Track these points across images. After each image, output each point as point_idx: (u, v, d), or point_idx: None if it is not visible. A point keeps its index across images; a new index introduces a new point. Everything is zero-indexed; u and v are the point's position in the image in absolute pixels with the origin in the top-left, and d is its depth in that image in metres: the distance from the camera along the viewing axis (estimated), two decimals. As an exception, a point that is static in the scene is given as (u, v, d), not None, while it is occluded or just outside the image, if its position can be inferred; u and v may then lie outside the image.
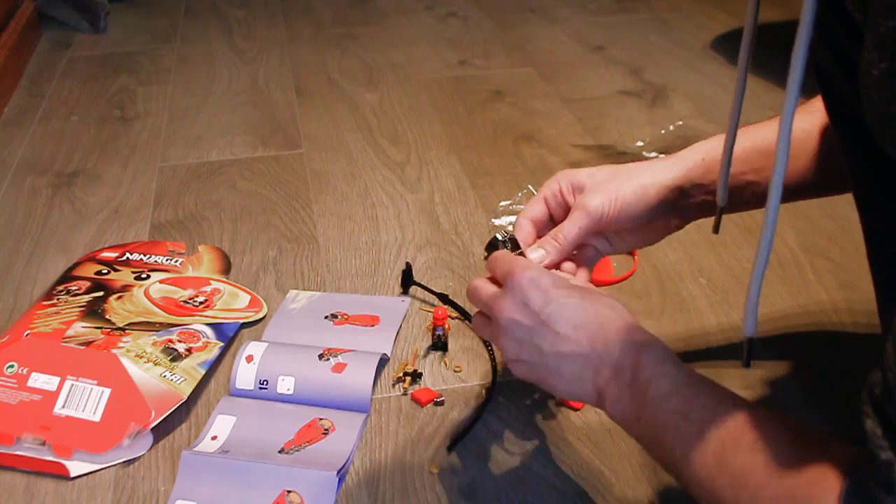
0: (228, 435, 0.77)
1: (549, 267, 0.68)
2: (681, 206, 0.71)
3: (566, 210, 0.71)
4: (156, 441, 0.78)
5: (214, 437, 0.76)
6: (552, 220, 0.72)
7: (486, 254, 0.69)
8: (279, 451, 0.74)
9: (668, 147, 1.27)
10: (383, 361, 0.85)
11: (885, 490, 0.40)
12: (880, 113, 0.40)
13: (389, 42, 1.76)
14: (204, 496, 0.71)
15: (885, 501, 0.40)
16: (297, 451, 0.75)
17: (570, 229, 0.68)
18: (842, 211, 1.09)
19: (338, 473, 0.71)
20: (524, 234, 0.71)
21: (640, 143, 1.27)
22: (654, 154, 1.23)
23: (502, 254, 0.66)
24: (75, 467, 0.75)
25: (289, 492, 0.70)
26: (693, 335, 0.90)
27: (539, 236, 0.71)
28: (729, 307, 0.93)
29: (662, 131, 1.32)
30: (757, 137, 0.70)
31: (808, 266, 1.00)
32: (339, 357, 0.82)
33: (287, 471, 0.71)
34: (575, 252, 0.72)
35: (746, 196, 0.71)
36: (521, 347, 0.61)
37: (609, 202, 0.68)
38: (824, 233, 1.05)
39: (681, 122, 1.35)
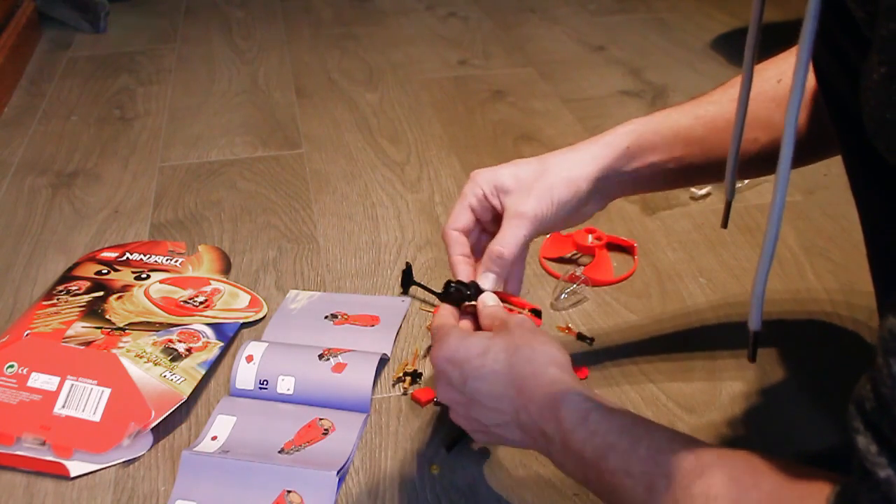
0: (228, 435, 0.77)
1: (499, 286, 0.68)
2: (605, 192, 0.71)
3: (492, 213, 0.69)
4: (156, 441, 0.78)
5: (214, 438, 0.76)
6: (478, 224, 0.71)
7: (440, 297, 0.69)
8: (279, 452, 0.74)
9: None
10: (383, 361, 0.85)
11: None
12: (876, 117, 0.40)
13: (389, 42, 1.76)
14: (204, 496, 0.71)
15: None
16: (297, 451, 0.75)
17: (512, 240, 0.66)
18: (842, 211, 1.09)
19: (338, 473, 0.71)
20: (458, 247, 0.69)
21: None
22: None
23: (435, 322, 0.67)
24: (75, 467, 0.75)
25: (289, 492, 0.70)
26: (693, 335, 0.90)
27: (470, 244, 0.70)
28: (729, 307, 0.93)
29: None
30: (678, 124, 0.71)
31: (808, 266, 1.00)
32: (339, 357, 0.82)
33: (287, 471, 0.71)
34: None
35: (663, 180, 0.72)
36: (468, 422, 0.64)
37: (546, 205, 0.66)
38: (824, 233, 1.05)
39: None
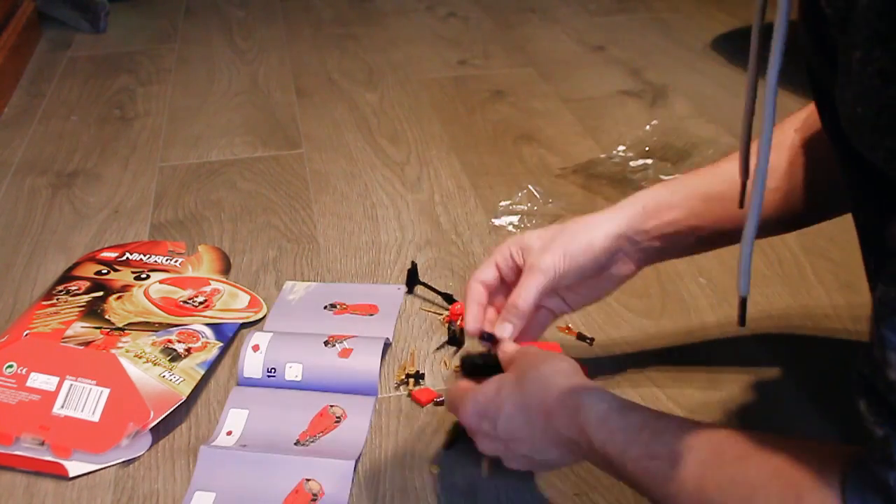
0: (243, 429, 0.77)
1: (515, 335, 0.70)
2: (628, 254, 0.72)
3: (516, 272, 0.72)
4: (155, 441, 0.77)
5: (230, 433, 0.77)
6: (503, 283, 0.73)
7: (458, 367, 0.72)
8: (295, 444, 0.76)
9: (652, 150, 1.27)
10: (386, 346, 0.87)
11: (886, 466, 0.40)
12: (849, 114, 0.41)
13: (389, 42, 1.76)
14: (223, 486, 0.71)
15: (890, 478, 0.40)
16: (313, 441, 0.76)
17: (526, 291, 0.69)
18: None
19: (354, 461, 0.73)
20: (477, 296, 0.72)
21: (621, 149, 1.27)
22: (640, 161, 1.22)
23: (450, 393, 0.69)
24: (74, 467, 0.75)
25: (308, 480, 0.71)
26: (693, 335, 0.90)
27: (490, 300, 0.73)
28: (729, 307, 0.93)
29: (640, 132, 1.32)
30: (694, 184, 0.73)
31: (808, 266, 0.99)
32: (345, 343, 0.84)
33: (305, 461, 0.72)
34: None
35: (691, 241, 0.73)
36: (518, 462, 0.65)
37: (559, 258, 0.69)
38: (824, 233, 1.05)
39: (656, 122, 1.34)
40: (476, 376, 0.68)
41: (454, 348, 0.88)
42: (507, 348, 0.68)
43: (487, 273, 0.72)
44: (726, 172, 0.72)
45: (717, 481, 0.50)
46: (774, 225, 0.73)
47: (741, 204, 0.65)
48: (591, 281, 0.72)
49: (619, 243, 0.71)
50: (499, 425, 0.62)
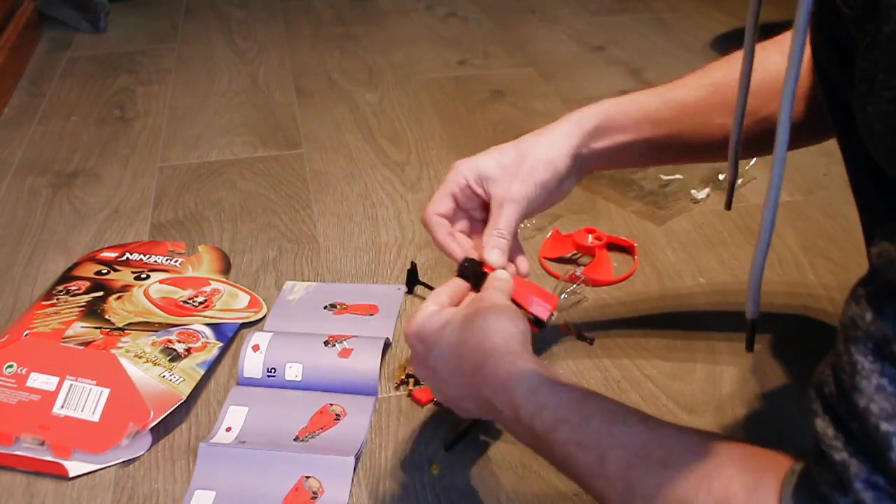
0: (242, 425, 0.78)
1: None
2: (579, 168, 0.74)
3: (476, 200, 0.72)
4: (155, 441, 0.77)
5: (229, 429, 0.77)
6: (460, 211, 0.73)
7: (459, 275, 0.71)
8: (294, 440, 0.75)
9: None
10: (386, 346, 0.87)
11: (838, 491, 0.38)
12: (866, 124, 0.40)
13: (389, 42, 1.76)
14: (223, 485, 0.71)
15: (839, 502, 0.38)
16: (312, 437, 0.76)
17: (506, 222, 0.69)
18: (842, 211, 1.09)
19: (354, 458, 0.72)
20: (442, 228, 0.72)
21: None
22: None
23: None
24: (74, 467, 0.75)
25: (307, 477, 0.71)
26: (692, 335, 0.90)
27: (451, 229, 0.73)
28: (729, 307, 0.93)
29: None
30: (648, 105, 0.74)
31: (808, 266, 0.99)
32: (345, 343, 0.84)
33: (305, 457, 0.72)
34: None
35: (637, 159, 0.76)
36: (438, 394, 0.68)
37: (530, 187, 0.70)
38: (824, 233, 1.05)
39: None
40: (473, 277, 0.69)
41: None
42: (500, 275, 0.68)
43: (444, 205, 0.72)
44: (678, 96, 0.74)
45: (643, 490, 0.48)
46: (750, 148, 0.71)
47: (728, 206, 0.65)
48: (548, 197, 0.73)
49: (574, 161, 0.72)
50: (431, 356, 0.63)
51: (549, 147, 0.71)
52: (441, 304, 0.66)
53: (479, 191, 0.71)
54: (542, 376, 0.56)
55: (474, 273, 0.69)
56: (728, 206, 0.68)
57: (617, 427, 0.51)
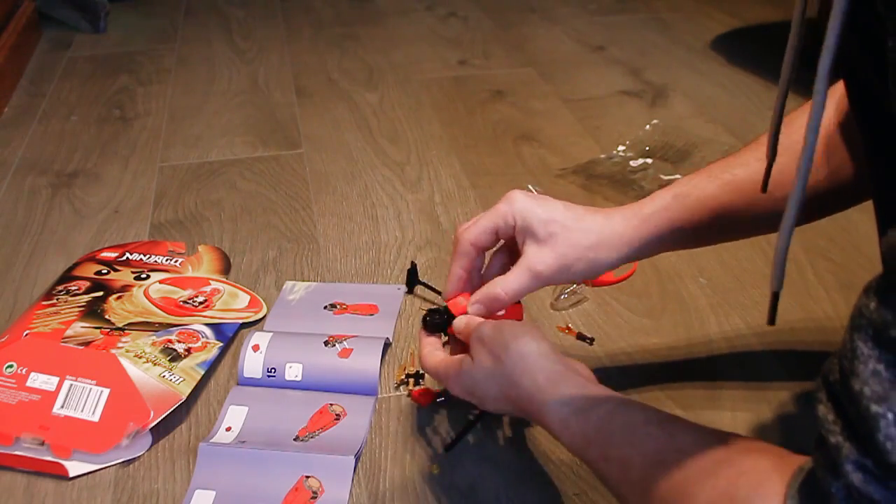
0: (242, 425, 0.78)
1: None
2: (625, 259, 0.71)
3: (514, 241, 0.69)
4: (155, 441, 0.77)
5: (229, 429, 0.77)
6: (496, 241, 0.71)
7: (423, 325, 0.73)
8: (294, 439, 0.75)
9: (652, 150, 1.27)
10: (386, 346, 0.87)
11: (831, 474, 0.39)
12: None
13: (389, 42, 1.76)
14: (223, 484, 0.71)
15: (832, 487, 0.39)
16: (312, 437, 0.76)
17: (514, 289, 0.67)
18: (842, 211, 1.09)
19: (354, 457, 0.72)
20: (464, 261, 0.70)
21: (621, 149, 1.27)
22: (640, 161, 1.22)
23: (429, 361, 0.70)
24: (74, 467, 0.75)
25: (307, 477, 0.71)
26: (693, 335, 0.90)
27: (480, 254, 0.71)
28: (729, 307, 0.93)
29: (640, 132, 1.32)
30: (727, 176, 0.70)
31: (808, 266, 0.99)
32: (345, 343, 0.84)
33: (305, 457, 0.72)
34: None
35: (712, 237, 0.74)
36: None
37: (557, 270, 0.67)
38: (824, 233, 1.05)
39: (656, 122, 1.34)
40: (437, 332, 0.72)
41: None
42: (459, 324, 0.69)
43: (484, 237, 0.69)
44: (737, 177, 0.70)
45: (657, 490, 0.50)
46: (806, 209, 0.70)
47: (764, 188, 0.61)
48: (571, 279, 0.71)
49: (627, 260, 0.70)
50: (487, 404, 0.66)
51: (604, 248, 0.68)
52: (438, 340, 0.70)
53: (520, 239, 0.68)
54: (570, 405, 0.59)
55: (440, 323, 0.72)
56: (764, 189, 0.64)
57: (637, 437, 0.55)
